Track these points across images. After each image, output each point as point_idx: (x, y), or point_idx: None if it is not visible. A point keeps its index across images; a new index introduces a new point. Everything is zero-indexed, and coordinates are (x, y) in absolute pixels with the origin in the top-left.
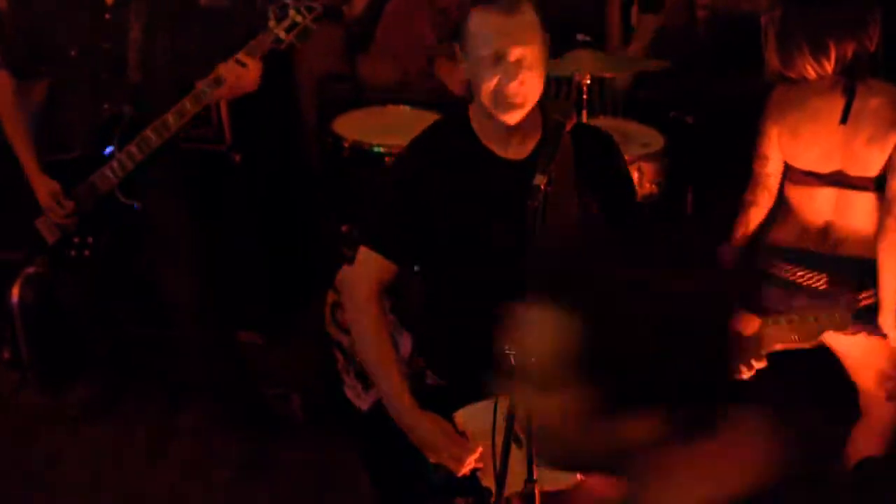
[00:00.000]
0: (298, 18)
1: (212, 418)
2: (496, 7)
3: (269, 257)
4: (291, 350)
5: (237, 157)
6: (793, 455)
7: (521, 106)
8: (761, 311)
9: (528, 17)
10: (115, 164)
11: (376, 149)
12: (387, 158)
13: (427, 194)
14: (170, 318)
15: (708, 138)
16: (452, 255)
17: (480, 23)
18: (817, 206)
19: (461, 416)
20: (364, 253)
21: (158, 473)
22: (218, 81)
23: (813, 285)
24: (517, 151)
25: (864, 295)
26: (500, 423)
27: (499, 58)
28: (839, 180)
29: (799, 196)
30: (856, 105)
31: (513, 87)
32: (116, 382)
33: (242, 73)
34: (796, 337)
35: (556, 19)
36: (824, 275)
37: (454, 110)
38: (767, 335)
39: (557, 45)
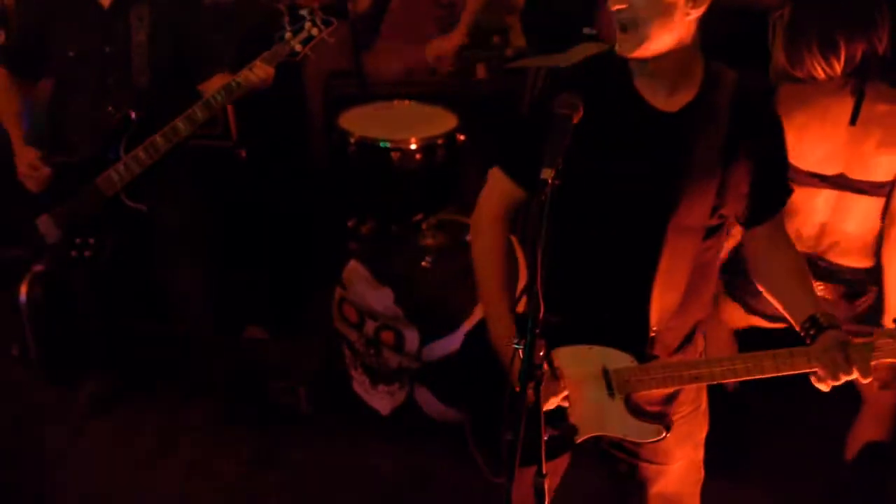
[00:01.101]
0: (315, 31)
1: (219, 414)
2: None
3: (275, 253)
4: (297, 344)
5: (243, 153)
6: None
7: (628, 31)
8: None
9: None
10: (120, 167)
11: (382, 144)
12: (393, 153)
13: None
14: (177, 314)
15: None
16: (580, 194)
17: None
18: (816, 207)
19: (560, 355)
20: (494, 174)
21: (166, 470)
22: (230, 91)
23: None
24: (667, 103)
25: (859, 302)
26: (593, 371)
27: None
28: (842, 183)
29: (799, 197)
30: (865, 108)
31: (613, 3)
32: (124, 379)
33: (255, 83)
34: None
35: (561, 14)
36: (820, 283)
37: (609, 52)
38: (880, 347)
39: (562, 40)
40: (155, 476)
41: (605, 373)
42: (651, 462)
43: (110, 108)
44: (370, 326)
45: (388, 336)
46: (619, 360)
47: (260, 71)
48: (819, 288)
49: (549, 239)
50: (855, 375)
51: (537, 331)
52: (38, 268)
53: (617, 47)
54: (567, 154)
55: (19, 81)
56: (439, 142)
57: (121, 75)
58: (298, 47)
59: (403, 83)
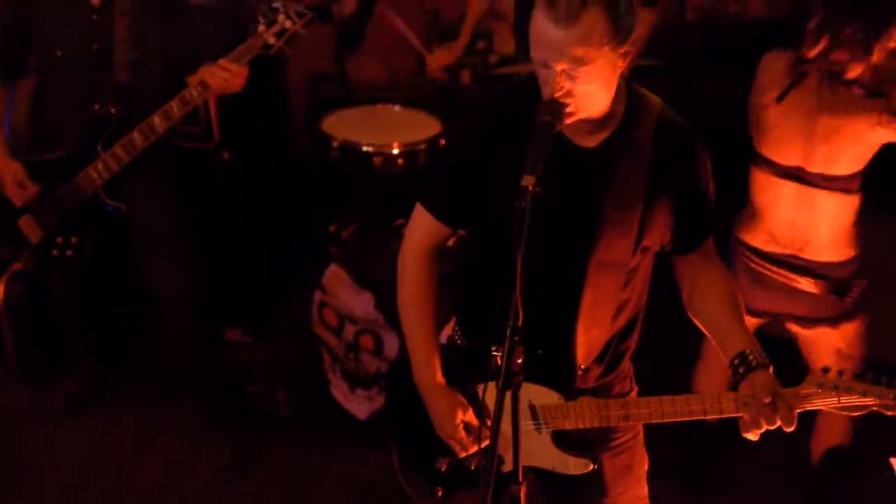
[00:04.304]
0: (288, 24)
1: (197, 415)
2: (553, 13)
3: (256, 255)
4: (277, 346)
5: (225, 156)
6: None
7: (568, 115)
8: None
9: (588, 28)
10: (99, 165)
11: (365, 148)
12: (375, 158)
13: (488, 162)
14: (159, 313)
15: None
16: (500, 230)
17: (535, 24)
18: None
19: (483, 388)
20: (417, 210)
21: (143, 469)
22: (205, 85)
23: (804, 289)
24: (586, 139)
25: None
26: (520, 406)
27: (545, 65)
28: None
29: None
30: None
31: (551, 93)
32: (101, 378)
33: (229, 77)
34: (839, 402)
35: None
36: (810, 279)
37: (528, 80)
38: (806, 396)
39: None
40: (131, 476)
41: (532, 408)
42: (591, 496)
43: (97, 107)
44: (350, 330)
45: (367, 340)
46: (546, 396)
47: (231, 67)
48: (809, 285)
49: (494, 267)
50: (777, 425)
51: (517, 338)
52: (17, 266)
53: (561, 117)
54: (485, 193)
55: (2, 84)
56: (422, 147)
57: (107, 72)
58: (272, 40)
59: (387, 87)
